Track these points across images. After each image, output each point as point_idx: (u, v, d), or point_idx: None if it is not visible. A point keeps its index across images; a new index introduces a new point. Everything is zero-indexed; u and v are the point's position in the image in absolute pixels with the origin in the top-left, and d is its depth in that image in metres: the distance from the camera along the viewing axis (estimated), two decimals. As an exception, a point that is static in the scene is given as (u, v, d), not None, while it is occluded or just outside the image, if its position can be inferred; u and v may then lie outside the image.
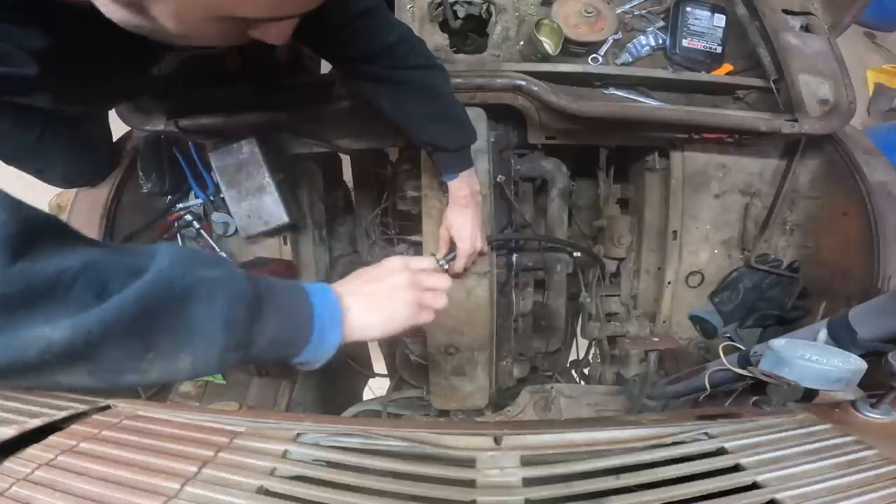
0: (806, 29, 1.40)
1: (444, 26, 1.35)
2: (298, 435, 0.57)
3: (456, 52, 1.32)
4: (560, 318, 1.63)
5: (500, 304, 1.46)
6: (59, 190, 1.55)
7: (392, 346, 1.90)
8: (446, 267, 1.13)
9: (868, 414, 0.63)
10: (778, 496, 0.47)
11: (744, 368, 0.87)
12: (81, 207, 1.33)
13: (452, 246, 1.20)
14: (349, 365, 1.78)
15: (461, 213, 1.15)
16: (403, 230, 1.63)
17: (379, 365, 1.99)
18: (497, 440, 0.56)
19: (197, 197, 1.43)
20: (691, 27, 1.35)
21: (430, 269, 0.80)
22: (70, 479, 0.49)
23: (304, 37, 0.95)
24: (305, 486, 0.49)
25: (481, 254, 1.24)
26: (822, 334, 0.81)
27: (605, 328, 1.62)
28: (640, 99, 1.31)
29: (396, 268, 0.74)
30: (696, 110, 1.28)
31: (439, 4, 1.32)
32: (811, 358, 0.69)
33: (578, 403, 1.50)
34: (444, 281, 0.79)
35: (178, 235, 1.45)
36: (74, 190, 1.35)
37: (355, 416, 1.66)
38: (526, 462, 0.53)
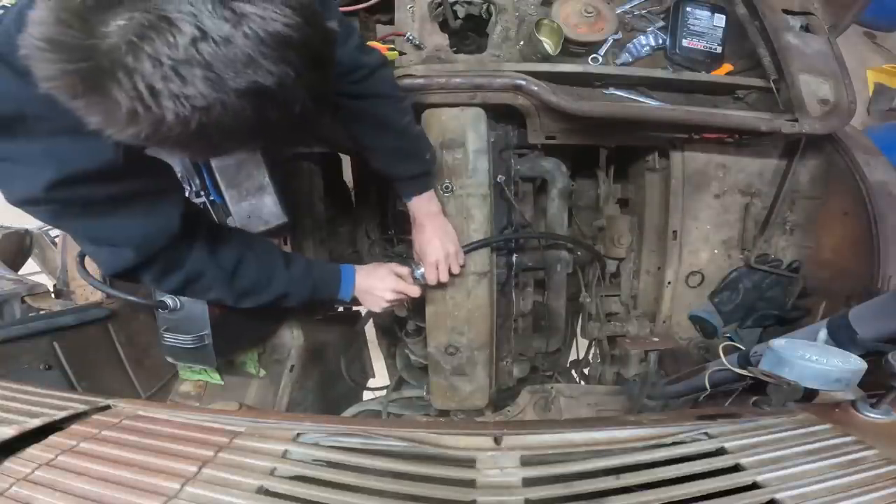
0: (806, 29, 1.39)
1: (444, 26, 1.35)
2: (298, 435, 0.57)
3: (456, 52, 1.32)
4: (560, 318, 1.63)
5: (500, 304, 1.46)
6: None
7: (391, 346, 1.91)
8: (419, 277, 1.25)
9: (868, 414, 0.63)
10: (778, 496, 0.47)
11: (744, 368, 0.87)
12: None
13: None
14: (348, 380, 1.80)
15: (420, 232, 1.23)
16: (403, 230, 1.63)
17: (379, 364, 1.99)
18: (497, 440, 0.56)
19: (211, 197, 1.43)
20: (691, 27, 1.35)
21: (406, 276, 1.23)
22: (70, 479, 0.49)
23: None
24: (305, 486, 0.49)
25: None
26: (822, 334, 0.81)
27: (605, 328, 1.62)
28: (640, 99, 1.31)
29: (385, 277, 1.22)
30: (696, 110, 1.28)
31: (439, 4, 1.32)
32: (811, 358, 0.69)
33: (578, 403, 1.50)
34: (413, 291, 1.23)
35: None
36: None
37: (355, 416, 1.66)
38: (526, 462, 0.53)
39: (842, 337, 0.80)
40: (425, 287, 1.28)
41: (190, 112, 0.54)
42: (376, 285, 1.21)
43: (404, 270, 1.24)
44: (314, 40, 0.59)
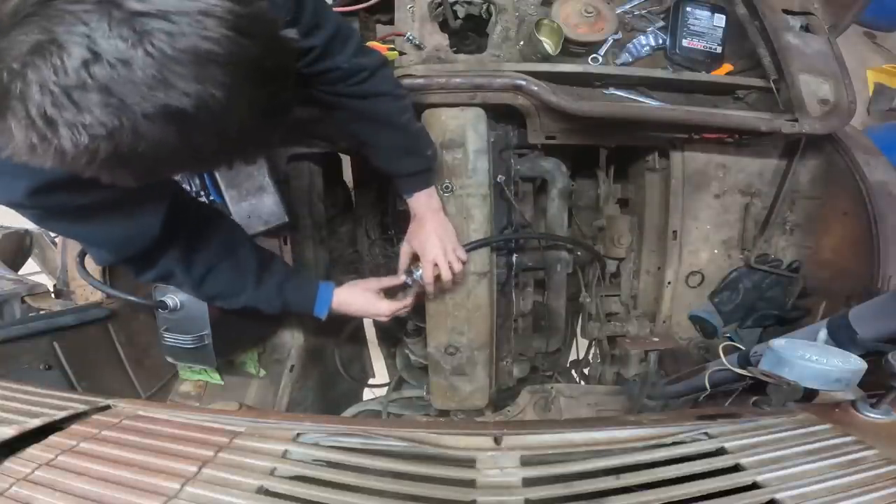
0: (806, 29, 1.39)
1: (444, 26, 1.35)
2: (298, 435, 0.57)
3: (456, 52, 1.32)
4: (560, 318, 1.63)
5: (500, 304, 1.46)
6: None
7: (391, 346, 1.91)
8: (411, 281, 1.25)
9: (868, 414, 0.63)
10: (778, 496, 0.47)
11: (744, 368, 0.87)
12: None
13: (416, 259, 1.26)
14: (346, 377, 1.79)
15: (420, 230, 1.22)
16: (403, 230, 1.63)
17: (379, 364, 1.99)
18: (497, 440, 0.56)
19: (211, 197, 1.43)
20: (691, 27, 1.35)
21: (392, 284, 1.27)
22: (70, 479, 0.49)
23: None
24: (305, 486, 0.49)
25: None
26: (822, 334, 0.81)
27: (605, 328, 1.62)
28: (640, 99, 1.31)
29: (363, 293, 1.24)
30: (696, 110, 1.28)
31: (439, 4, 1.32)
32: (811, 358, 0.69)
33: (578, 403, 1.50)
34: (395, 307, 1.25)
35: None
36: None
37: (355, 416, 1.66)
38: (526, 462, 0.53)
39: (842, 337, 0.80)
40: (425, 287, 1.27)
41: (89, 141, 0.50)
42: (353, 303, 1.23)
43: (386, 282, 1.28)
44: (251, 53, 0.53)
